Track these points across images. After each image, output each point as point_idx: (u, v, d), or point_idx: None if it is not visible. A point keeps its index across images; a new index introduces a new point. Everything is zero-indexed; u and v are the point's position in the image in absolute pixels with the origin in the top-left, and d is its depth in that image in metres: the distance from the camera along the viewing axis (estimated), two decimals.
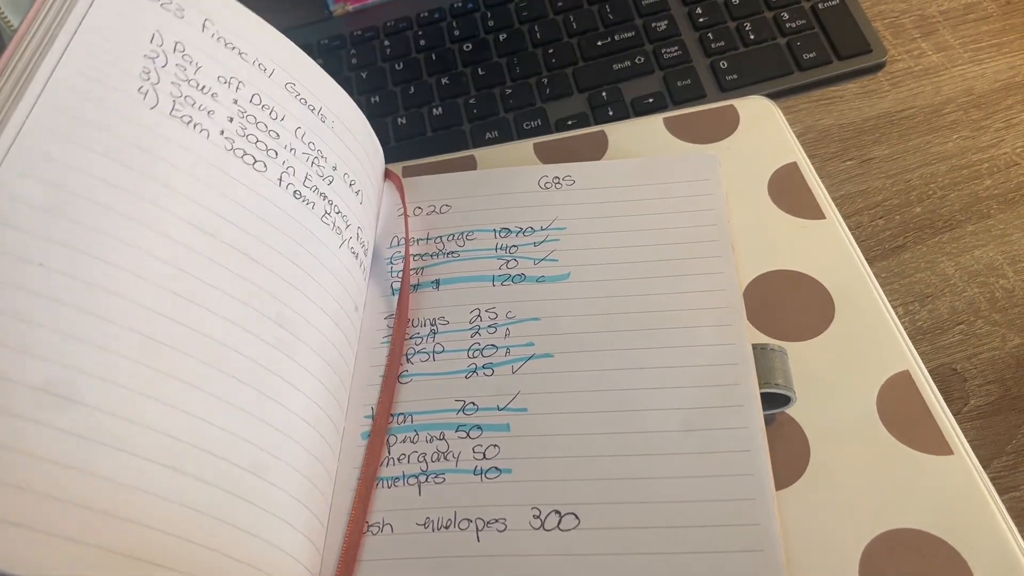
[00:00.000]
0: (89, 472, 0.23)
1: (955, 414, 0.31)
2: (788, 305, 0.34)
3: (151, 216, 0.27)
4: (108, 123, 0.27)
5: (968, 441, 0.30)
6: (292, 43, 0.35)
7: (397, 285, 0.36)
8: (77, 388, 0.24)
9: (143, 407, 0.25)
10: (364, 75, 0.51)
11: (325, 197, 0.34)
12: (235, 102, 0.31)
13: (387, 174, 0.40)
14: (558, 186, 0.38)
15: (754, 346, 0.32)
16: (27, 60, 0.26)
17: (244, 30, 0.33)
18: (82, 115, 0.26)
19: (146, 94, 0.28)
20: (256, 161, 0.31)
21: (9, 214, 0.24)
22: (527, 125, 0.47)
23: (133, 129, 0.27)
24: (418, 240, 0.37)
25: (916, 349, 0.32)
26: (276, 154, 0.32)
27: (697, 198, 0.36)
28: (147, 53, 0.29)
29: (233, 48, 0.32)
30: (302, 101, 0.34)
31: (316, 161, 0.34)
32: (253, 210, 0.30)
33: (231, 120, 0.31)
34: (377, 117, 0.49)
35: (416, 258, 0.37)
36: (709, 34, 0.49)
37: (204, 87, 0.30)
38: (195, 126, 0.29)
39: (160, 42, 0.30)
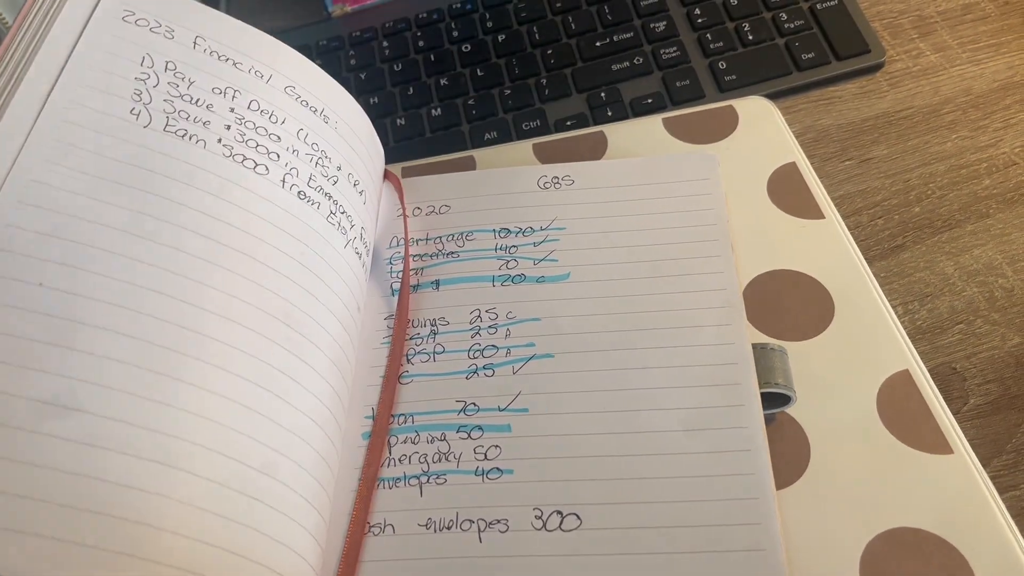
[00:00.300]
0: (94, 477, 0.24)
1: (955, 413, 0.31)
2: (788, 305, 0.34)
3: (147, 227, 0.28)
4: (100, 146, 0.28)
5: (968, 440, 0.30)
6: (290, 48, 0.35)
7: (397, 286, 0.36)
8: (78, 397, 0.24)
9: (146, 411, 0.25)
10: (363, 76, 0.51)
11: (330, 197, 0.34)
12: (232, 110, 0.32)
13: (385, 174, 0.40)
14: (557, 186, 0.38)
15: (754, 346, 0.32)
16: (11, 72, 0.28)
17: (237, 41, 0.34)
18: (75, 142, 0.28)
19: (138, 114, 0.30)
20: (257, 165, 0.32)
21: (7, 240, 0.25)
22: (526, 126, 0.47)
23: (126, 148, 0.29)
24: (417, 240, 0.37)
25: (916, 348, 0.32)
26: (278, 156, 0.32)
27: (696, 198, 0.36)
28: (138, 76, 0.30)
29: (227, 60, 0.33)
30: (303, 103, 0.34)
31: (320, 162, 0.34)
32: (255, 212, 0.31)
33: (228, 128, 0.31)
34: (376, 118, 0.49)
35: (416, 258, 0.37)
36: (708, 35, 0.49)
37: (198, 100, 0.31)
38: (191, 138, 0.30)
39: (151, 64, 0.31)
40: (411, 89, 0.50)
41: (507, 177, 0.39)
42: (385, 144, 0.44)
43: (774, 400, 0.31)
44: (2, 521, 0.22)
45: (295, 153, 0.33)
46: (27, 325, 0.25)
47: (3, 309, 0.25)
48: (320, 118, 0.35)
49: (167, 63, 0.31)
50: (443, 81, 0.50)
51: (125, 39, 0.31)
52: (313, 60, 0.53)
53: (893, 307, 0.34)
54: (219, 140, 0.31)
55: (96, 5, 0.31)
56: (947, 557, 0.27)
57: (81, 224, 0.27)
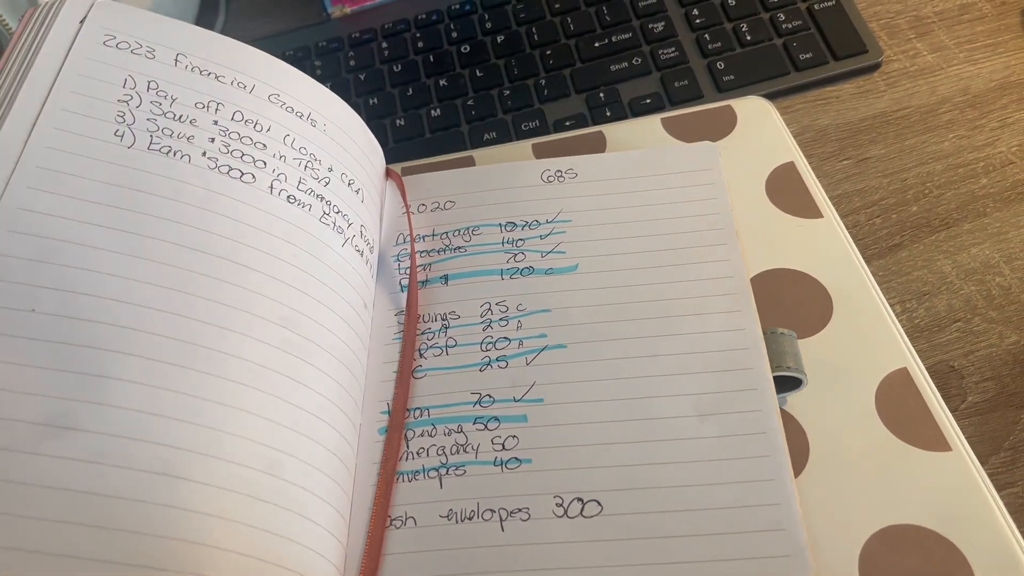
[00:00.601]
0: (95, 492, 0.24)
1: (953, 411, 0.32)
2: (786, 303, 0.34)
3: (136, 246, 0.28)
4: (86, 171, 0.29)
5: (966, 437, 0.30)
6: (273, 57, 0.36)
7: (405, 282, 0.36)
8: (76, 417, 0.25)
9: (142, 424, 0.26)
10: (362, 77, 0.51)
11: (322, 198, 0.34)
12: (215, 123, 0.32)
13: (387, 172, 0.40)
14: (560, 179, 0.38)
15: (763, 331, 0.32)
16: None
17: (218, 55, 0.34)
18: (61, 168, 0.29)
19: (122, 136, 0.30)
20: (244, 174, 0.32)
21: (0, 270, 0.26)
22: (525, 126, 0.48)
23: (112, 170, 0.30)
24: (424, 237, 0.38)
25: (914, 346, 0.32)
26: (265, 164, 0.33)
27: (699, 187, 0.37)
28: (120, 98, 0.31)
29: (208, 74, 0.33)
30: (288, 109, 0.35)
31: (309, 165, 0.34)
32: (243, 220, 0.31)
33: (212, 140, 0.32)
34: (375, 119, 0.49)
35: (423, 254, 0.37)
36: (706, 35, 0.49)
37: (181, 116, 0.32)
38: (175, 154, 0.31)
39: (133, 85, 0.32)
40: (410, 90, 0.50)
41: (510, 172, 0.39)
42: (385, 145, 0.44)
43: (785, 383, 0.31)
44: (5, 541, 0.23)
45: (282, 159, 0.33)
46: (22, 351, 0.25)
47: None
48: (307, 122, 0.35)
49: (149, 82, 0.32)
50: (442, 82, 0.50)
51: (107, 63, 0.32)
52: (312, 61, 0.53)
53: (891, 305, 0.34)
54: (203, 153, 0.31)
55: (77, 33, 0.32)
56: (946, 554, 0.28)
57: (71, 248, 0.27)
